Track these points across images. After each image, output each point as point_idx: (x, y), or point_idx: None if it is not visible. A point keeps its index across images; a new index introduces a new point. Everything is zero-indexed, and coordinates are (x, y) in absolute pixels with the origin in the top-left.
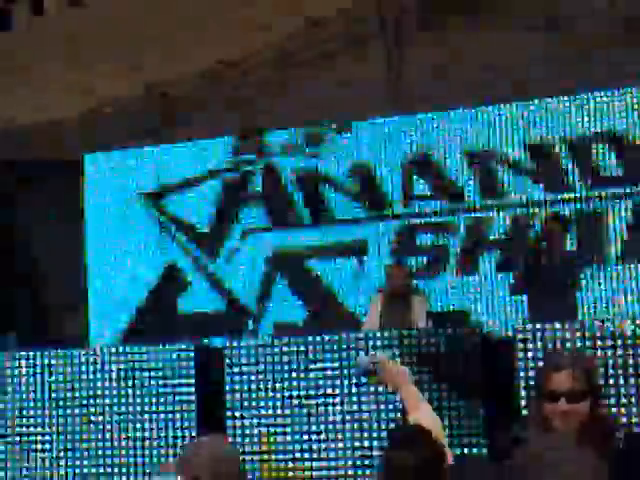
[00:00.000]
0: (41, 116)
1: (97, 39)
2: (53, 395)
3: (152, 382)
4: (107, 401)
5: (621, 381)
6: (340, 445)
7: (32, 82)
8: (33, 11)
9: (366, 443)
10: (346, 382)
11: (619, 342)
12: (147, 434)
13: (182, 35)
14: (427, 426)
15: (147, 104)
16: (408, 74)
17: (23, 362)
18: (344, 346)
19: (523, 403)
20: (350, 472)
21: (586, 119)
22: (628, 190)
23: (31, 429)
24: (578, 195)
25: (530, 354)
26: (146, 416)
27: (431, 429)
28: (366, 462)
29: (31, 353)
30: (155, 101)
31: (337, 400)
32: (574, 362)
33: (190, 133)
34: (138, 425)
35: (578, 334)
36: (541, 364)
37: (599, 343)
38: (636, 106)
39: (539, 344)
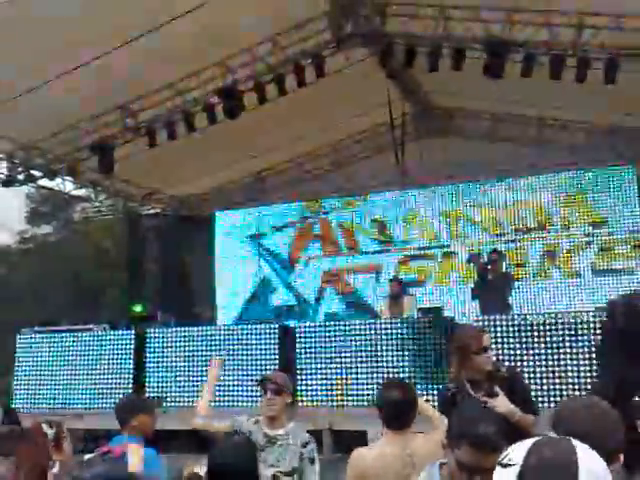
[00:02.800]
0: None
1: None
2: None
3: (254, 349)
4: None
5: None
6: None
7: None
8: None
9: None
10: (373, 351)
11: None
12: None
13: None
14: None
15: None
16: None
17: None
18: (371, 329)
19: None
20: None
21: (512, 194)
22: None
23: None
24: (508, 238)
25: None
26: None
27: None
28: None
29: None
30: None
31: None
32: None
33: (276, 199)
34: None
35: (510, 323)
36: (460, 330)
37: (523, 330)
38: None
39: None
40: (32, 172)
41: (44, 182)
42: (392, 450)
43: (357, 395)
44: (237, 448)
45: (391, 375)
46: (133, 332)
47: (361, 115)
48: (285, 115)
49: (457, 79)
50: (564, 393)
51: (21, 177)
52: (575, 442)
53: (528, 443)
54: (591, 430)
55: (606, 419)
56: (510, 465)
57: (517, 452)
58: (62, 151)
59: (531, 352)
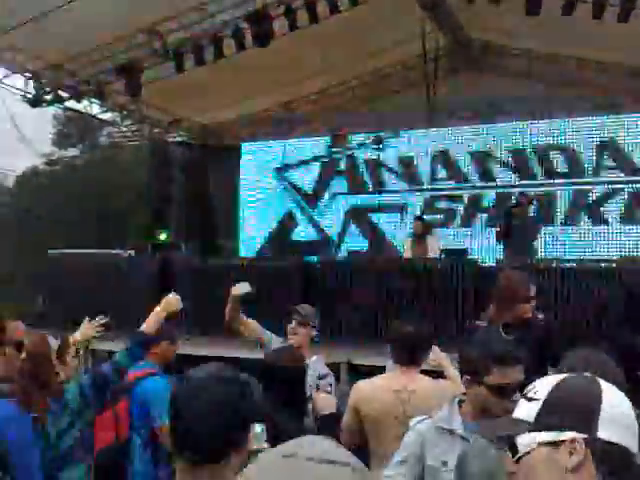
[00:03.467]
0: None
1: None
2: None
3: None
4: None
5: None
6: None
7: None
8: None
9: None
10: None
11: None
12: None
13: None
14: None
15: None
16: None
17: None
18: (394, 267)
19: None
20: None
21: (545, 136)
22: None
23: None
24: (538, 182)
25: None
26: None
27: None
28: None
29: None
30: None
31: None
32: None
33: (303, 131)
34: None
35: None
36: (508, 275)
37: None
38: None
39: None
40: (59, 93)
41: (71, 104)
42: (390, 384)
43: (376, 331)
44: (291, 354)
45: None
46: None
47: (393, 47)
48: (315, 45)
49: (494, 13)
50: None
51: (48, 97)
52: (600, 380)
53: (554, 379)
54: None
55: (607, 364)
56: (535, 399)
57: (543, 387)
58: (90, 72)
59: (555, 298)
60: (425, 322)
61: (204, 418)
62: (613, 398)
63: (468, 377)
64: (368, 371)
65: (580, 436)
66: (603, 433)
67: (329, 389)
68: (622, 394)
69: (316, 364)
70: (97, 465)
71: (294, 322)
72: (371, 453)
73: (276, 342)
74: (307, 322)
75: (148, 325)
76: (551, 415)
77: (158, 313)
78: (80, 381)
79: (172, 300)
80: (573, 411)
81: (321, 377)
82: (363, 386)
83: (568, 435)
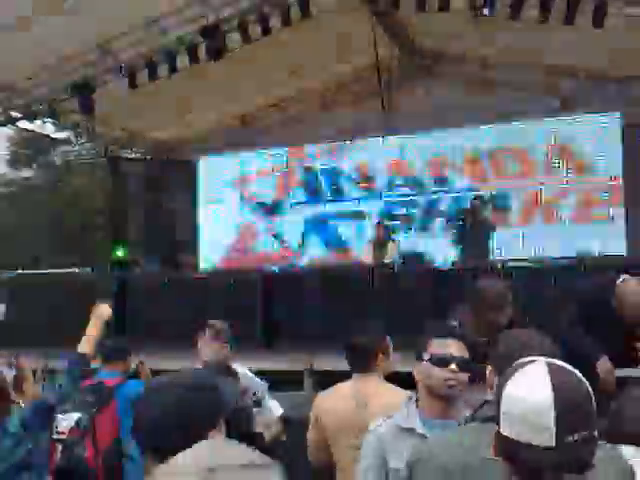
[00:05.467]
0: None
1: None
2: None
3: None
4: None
5: None
6: None
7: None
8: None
9: None
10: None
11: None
12: None
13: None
14: None
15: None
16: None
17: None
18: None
19: None
20: None
21: (497, 141)
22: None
23: None
24: (491, 185)
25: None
26: None
27: None
28: None
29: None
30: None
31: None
32: None
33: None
34: None
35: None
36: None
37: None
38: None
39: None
40: (11, 113)
41: (24, 124)
42: (347, 392)
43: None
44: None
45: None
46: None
47: (346, 58)
48: (270, 57)
49: (444, 21)
50: None
51: (1, 118)
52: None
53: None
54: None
55: (542, 343)
56: None
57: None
58: (42, 92)
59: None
60: (377, 327)
61: (157, 420)
62: (511, 391)
63: (416, 359)
64: (329, 375)
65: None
66: (503, 428)
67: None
68: (526, 383)
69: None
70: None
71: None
72: (336, 466)
73: None
74: (219, 335)
75: (81, 345)
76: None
77: (89, 330)
78: (22, 412)
79: (102, 309)
80: (496, 406)
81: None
82: (322, 397)
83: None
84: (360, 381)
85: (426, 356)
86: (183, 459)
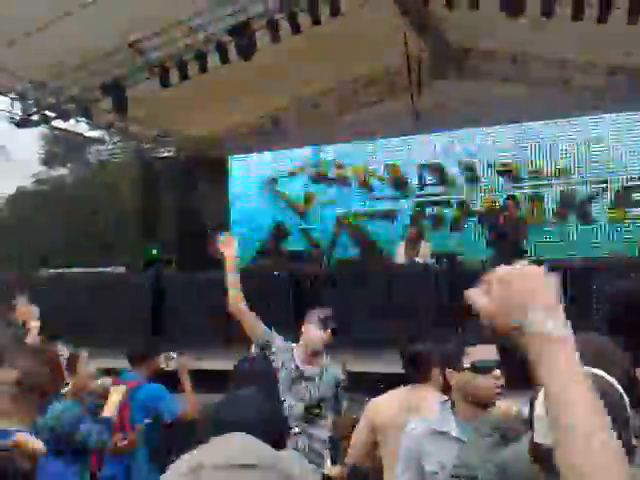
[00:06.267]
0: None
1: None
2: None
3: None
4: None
5: None
6: None
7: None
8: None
9: None
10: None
11: None
12: None
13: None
14: None
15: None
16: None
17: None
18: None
19: None
20: None
21: (529, 139)
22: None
23: None
24: (525, 184)
25: None
26: None
27: None
28: None
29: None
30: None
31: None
32: None
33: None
34: None
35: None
36: None
37: None
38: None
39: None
40: (46, 113)
41: (58, 123)
42: (402, 397)
43: (373, 337)
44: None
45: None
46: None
47: (376, 56)
48: (299, 56)
49: (475, 17)
50: None
51: (35, 118)
52: None
53: None
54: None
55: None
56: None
57: None
58: (76, 91)
59: None
60: (434, 337)
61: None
62: (540, 399)
63: (450, 370)
64: (363, 377)
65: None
66: (536, 436)
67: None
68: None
69: (330, 369)
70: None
71: (316, 325)
72: (383, 467)
73: (281, 345)
74: (327, 326)
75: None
76: None
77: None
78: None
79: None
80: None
81: (337, 384)
82: (376, 401)
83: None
84: (415, 389)
85: (467, 364)
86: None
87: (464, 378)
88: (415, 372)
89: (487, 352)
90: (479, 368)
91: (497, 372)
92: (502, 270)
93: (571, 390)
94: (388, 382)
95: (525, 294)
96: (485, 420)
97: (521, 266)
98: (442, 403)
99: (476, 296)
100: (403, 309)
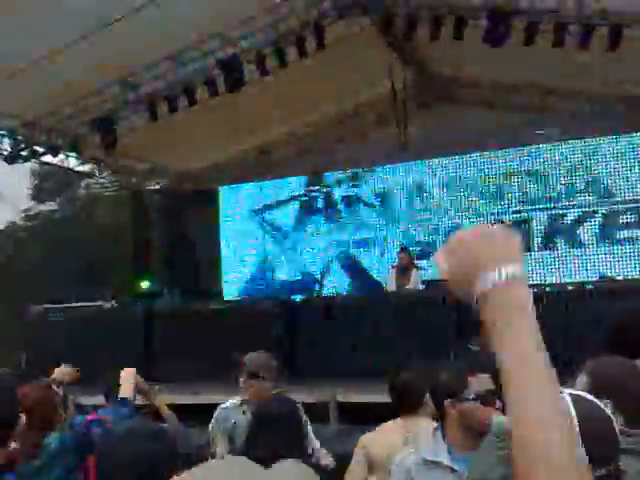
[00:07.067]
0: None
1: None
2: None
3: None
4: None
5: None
6: None
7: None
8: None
9: None
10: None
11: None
12: None
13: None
14: None
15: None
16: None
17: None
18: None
19: None
20: None
21: (516, 164)
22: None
23: None
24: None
25: None
26: None
27: None
28: None
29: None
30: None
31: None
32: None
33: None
34: None
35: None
36: None
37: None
38: None
39: None
40: (35, 148)
41: (47, 158)
42: (397, 428)
43: (363, 367)
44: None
45: (396, 349)
46: (141, 307)
47: (363, 86)
48: (287, 88)
49: (459, 47)
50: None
51: (24, 153)
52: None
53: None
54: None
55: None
56: None
57: None
58: (64, 126)
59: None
60: (422, 366)
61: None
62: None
63: (449, 400)
64: (356, 408)
65: None
66: None
67: None
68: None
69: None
70: None
71: (244, 375)
72: None
73: (232, 411)
74: (257, 374)
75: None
76: None
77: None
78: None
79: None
80: None
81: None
82: (370, 434)
83: None
84: (410, 419)
85: (470, 395)
86: None
87: (467, 409)
88: (406, 402)
89: (484, 382)
90: (483, 399)
91: (498, 403)
92: (461, 231)
93: (530, 360)
94: (375, 412)
95: (482, 250)
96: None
97: (479, 226)
98: (434, 432)
99: (439, 259)
100: (390, 339)
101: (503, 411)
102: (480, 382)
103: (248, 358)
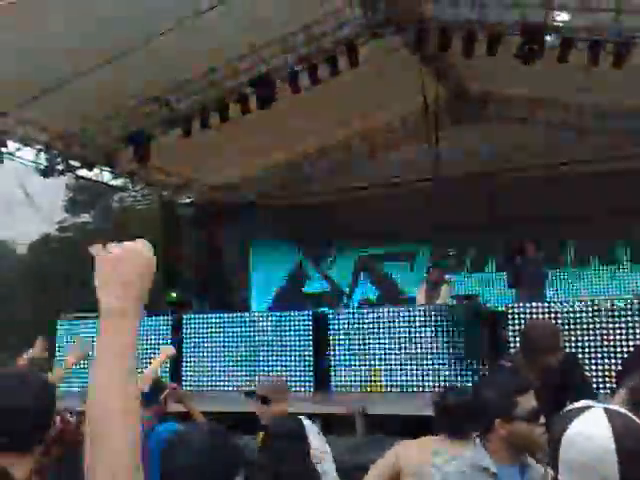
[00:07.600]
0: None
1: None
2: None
3: (288, 333)
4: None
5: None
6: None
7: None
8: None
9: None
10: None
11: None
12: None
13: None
14: None
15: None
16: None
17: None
18: (405, 314)
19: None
20: None
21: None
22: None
23: None
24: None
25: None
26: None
27: None
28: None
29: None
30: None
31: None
32: None
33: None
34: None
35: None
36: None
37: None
38: None
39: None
40: (71, 162)
41: (82, 172)
42: (432, 445)
43: (390, 379)
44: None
45: (426, 361)
46: (170, 318)
47: (394, 104)
48: (318, 104)
49: (492, 63)
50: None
51: (60, 167)
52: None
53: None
54: None
55: None
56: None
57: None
58: (100, 141)
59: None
60: (477, 388)
61: (190, 468)
62: (570, 438)
63: (498, 420)
64: (382, 420)
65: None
66: (562, 475)
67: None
68: (587, 431)
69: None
70: None
71: (258, 401)
72: None
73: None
74: (268, 399)
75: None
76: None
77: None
78: None
79: (168, 348)
80: (549, 452)
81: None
82: (405, 442)
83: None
84: (449, 442)
85: (518, 412)
86: None
87: (520, 429)
88: (444, 424)
89: (530, 400)
90: (533, 417)
91: (542, 419)
92: (103, 249)
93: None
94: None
95: (108, 274)
96: None
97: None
98: (475, 441)
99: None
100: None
101: (547, 428)
102: (527, 400)
103: (258, 383)
